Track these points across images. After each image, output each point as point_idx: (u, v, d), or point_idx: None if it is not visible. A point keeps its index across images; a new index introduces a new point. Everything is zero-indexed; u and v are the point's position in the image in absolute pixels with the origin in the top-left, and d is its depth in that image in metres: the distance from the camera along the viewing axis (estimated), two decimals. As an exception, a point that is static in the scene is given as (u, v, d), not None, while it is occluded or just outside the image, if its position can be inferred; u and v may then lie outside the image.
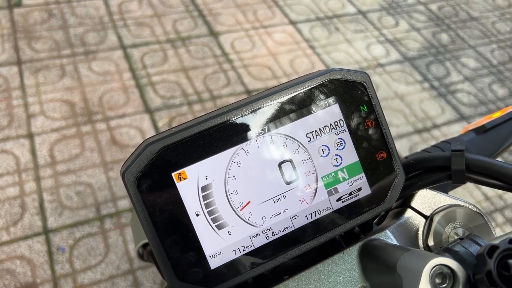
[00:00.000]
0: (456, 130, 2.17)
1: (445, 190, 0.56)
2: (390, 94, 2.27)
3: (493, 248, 0.31)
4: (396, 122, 2.14)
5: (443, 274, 0.33)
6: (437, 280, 0.33)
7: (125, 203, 1.65)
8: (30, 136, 1.78)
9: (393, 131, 2.10)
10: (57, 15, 2.30)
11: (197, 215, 0.39)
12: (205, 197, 0.40)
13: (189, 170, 0.39)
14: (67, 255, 1.51)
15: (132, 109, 1.95)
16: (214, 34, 2.39)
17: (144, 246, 0.60)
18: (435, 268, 0.33)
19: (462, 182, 0.45)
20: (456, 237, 0.45)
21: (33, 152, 1.73)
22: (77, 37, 2.21)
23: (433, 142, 2.09)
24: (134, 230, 0.64)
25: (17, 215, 1.57)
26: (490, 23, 2.87)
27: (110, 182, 1.70)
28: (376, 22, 2.70)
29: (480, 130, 0.59)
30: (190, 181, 0.39)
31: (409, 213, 0.47)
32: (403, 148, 2.03)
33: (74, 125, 1.85)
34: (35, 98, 1.91)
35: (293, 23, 2.57)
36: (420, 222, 0.47)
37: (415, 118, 2.18)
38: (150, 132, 1.87)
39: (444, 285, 0.33)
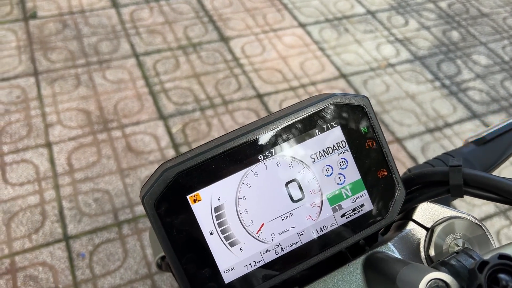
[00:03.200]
0: (469, 128, 2.17)
1: (445, 202, 0.59)
2: (401, 94, 2.28)
3: (483, 264, 0.34)
4: (407, 122, 2.15)
5: (438, 287, 0.36)
6: (433, 293, 0.36)
7: (141, 208, 1.69)
8: (48, 145, 1.84)
9: (405, 131, 2.11)
10: (71, 26, 2.36)
11: (211, 233, 0.42)
12: (218, 217, 0.43)
13: (202, 192, 0.42)
14: (87, 261, 1.56)
15: (146, 116, 1.99)
16: (224, 39, 2.42)
17: (163, 257, 0.64)
18: (430, 282, 0.36)
19: (460, 195, 0.47)
20: (456, 247, 0.47)
21: (52, 161, 1.79)
22: (91, 46, 2.26)
23: (446, 141, 2.09)
24: (152, 244, 0.68)
25: (38, 222, 1.62)
26: (501, 19, 2.85)
27: (126, 189, 1.74)
28: (386, 21, 2.70)
29: (480, 142, 0.61)
30: (203, 203, 0.42)
31: (411, 225, 0.50)
32: (415, 148, 2.04)
33: (90, 133, 1.90)
34: (52, 108, 1.97)
35: (302, 25, 2.59)
36: (421, 234, 0.49)
37: (427, 118, 2.19)
38: (164, 139, 1.91)
39: (440, 298, 0.36)
